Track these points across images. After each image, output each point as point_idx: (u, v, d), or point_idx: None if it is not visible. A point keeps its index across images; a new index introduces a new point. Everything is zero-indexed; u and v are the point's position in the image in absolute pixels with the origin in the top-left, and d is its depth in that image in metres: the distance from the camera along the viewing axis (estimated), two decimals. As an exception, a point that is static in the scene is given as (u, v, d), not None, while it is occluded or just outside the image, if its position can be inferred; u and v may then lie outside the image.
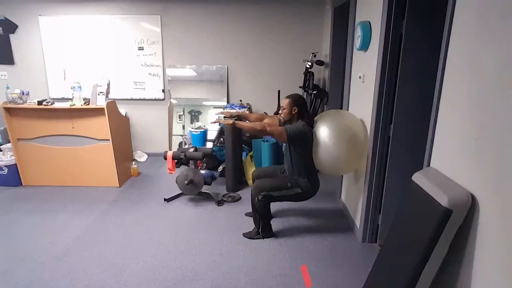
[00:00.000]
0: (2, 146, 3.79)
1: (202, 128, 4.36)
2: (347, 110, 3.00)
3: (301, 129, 2.44)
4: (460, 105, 1.42)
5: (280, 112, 2.61)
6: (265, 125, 2.47)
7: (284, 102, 2.54)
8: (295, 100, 2.53)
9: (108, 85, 3.50)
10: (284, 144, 2.58)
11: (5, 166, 3.60)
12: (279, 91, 4.37)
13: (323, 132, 2.45)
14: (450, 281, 1.47)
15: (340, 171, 2.81)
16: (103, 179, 3.64)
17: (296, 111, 2.51)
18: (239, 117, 2.93)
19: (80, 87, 3.44)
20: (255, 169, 3.02)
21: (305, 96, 4.10)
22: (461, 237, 1.37)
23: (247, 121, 2.83)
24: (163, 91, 4.62)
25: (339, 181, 3.30)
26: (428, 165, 1.66)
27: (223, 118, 2.80)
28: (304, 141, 2.48)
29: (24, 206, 3.20)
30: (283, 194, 2.54)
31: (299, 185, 2.53)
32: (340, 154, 2.42)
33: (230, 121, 2.62)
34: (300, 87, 4.25)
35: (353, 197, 2.87)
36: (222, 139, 4.23)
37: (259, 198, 2.51)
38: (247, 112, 4.36)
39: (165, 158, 3.31)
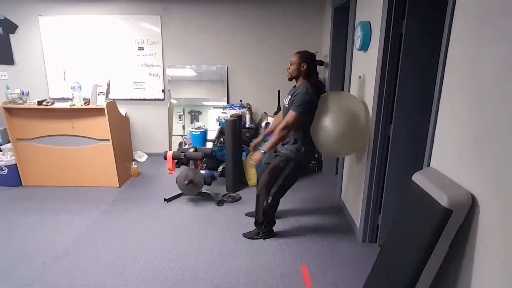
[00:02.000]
0: (2, 146, 3.79)
1: (202, 128, 4.36)
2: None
3: (306, 99, 2.30)
4: (460, 104, 1.42)
5: (288, 67, 2.45)
6: (280, 129, 2.34)
7: (294, 57, 2.40)
8: (305, 56, 2.39)
9: (108, 85, 3.50)
10: (286, 107, 2.43)
11: (5, 166, 3.60)
12: (279, 91, 4.37)
13: (323, 110, 2.37)
14: (450, 281, 1.47)
15: (339, 151, 2.72)
16: (103, 179, 3.64)
17: (305, 67, 2.37)
18: (266, 136, 2.82)
19: (80, 87, 3.45)
20: (257, 172, 2.94)
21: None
22: (461, 237, 1.37)
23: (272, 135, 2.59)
24: (163, 91, 4.63)
25: (339, 181, 3.30)
26: (428, 165, 1.66)
27: (254, 162, 2.44)
28: (310, 110, 2.37)
29: (24, 206, 3.20)
30: (284, 177, 2.44)
31: (290, 157, 2.43)
32: (338, 132, 2.35)
33: (260, 155, 2.38)
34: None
35: (353, 197, 2.87)
36: (222, 139, 4.23)
37: (269, 201, 2.48)
38: (247, 113, 4.35)
39: (165, 158, 3.32)
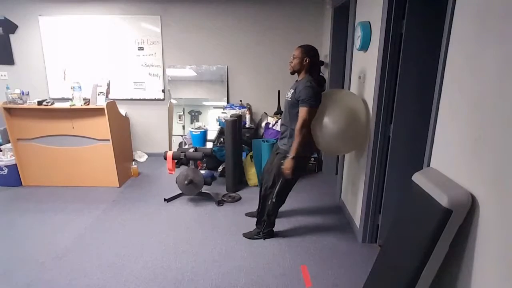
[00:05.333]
0: (2, 146, 3.79)
1: (202, 128, 4.36)
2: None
3: (312, 92, 2.23)
4: (460, 104, 1.42)
5: (290, 61, 2.42)
6: (299, 129, 2.26)
7: (296, 51, 2.36)
8: (308, 50, 2.36)
9: (108, 85, 3.50)
10: (289, 101, 2.40)
11: (5, 166, 3.60)
12: (279, 91, 4.37)
13: (323, 107, 2.36)
14: (450, 281, 1.47)
15: (338, 149, 2.71)
16: (103, 179, 3.64)
17: (307, 61, 2.34)
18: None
19: (80, 87, 3.44)
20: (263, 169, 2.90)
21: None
22: (461, 237, 1.37)
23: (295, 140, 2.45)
24: (163, 91, 4.62)
25: (339, 181, 3.30)
26: (428, 165, 1.66)
27: (288, 171, 2.34)
28: (319, 100, 2.32)
29: (24, 206, 3.20)
30: (286, 178, 2.41)
31: (288, 152, 2.35)
32: (338, 129, 2.34)
33: (291, 161, 2.30)
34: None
35: (353, 197, 2.87)
36: (222, 139, 4.23)
37: (273, 200, 2.48)
38: (247, 114, 4.35)
39: (165, 158, 3.31)
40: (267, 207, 2.55)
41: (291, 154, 2.30)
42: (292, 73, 2.44)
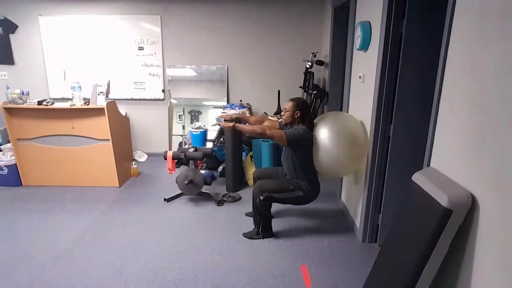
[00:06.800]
0: (2, 146, 3.79)
1: (202, 128, 4.36)
2: (347, 110, 3.00)
3: (301, 132, 2.45)
4: (460, 105, 1.42)
5: (282, 114, 2.61)
6: (265, 128, 2.48)
7: (288, 105, 2.53)
8: (299, 104, 2.52)
9: (108, 85, 3.50)
10: (284, 147, 2.59)
11: (5, 166, 3.60)
12: (279, 91, 4.37)
13: (323, 134, 2.44)
14: (450, 281, 1.47)
15: (340, 173, 2.82)
16: (103, 179, 3.64)
17: (298, 115, 2.51)
18: (239, 119, 2.91)
19: (80, 87, 3.44)
20: (255, 169, 3.02)
21: (305, 96, 4.10)
22: (461, 237, 1.37)
23: (247, 124, 2.84)
24: (163, 91, 4.63)
25: (339, 181, 3.30)
26: (428, 165, 1.66)
27: (223, 121, 2.78)
28: (304, 145, 2.48)
29: (24, 206, 3.20)
30: (285, 196, 2.53)
31: (301, 189, 2.54)
32: (340, 156, 2.43)
33: (230, 124, 2.60)
34: (300, 87, 4.26)
35: (353, 197, 2.87)
36: (222, 139, 4.23)
37: (261, 198, 2.51)
38: (247, 114, 4.36)
39: (165, 158, 3.31)
40: (256, 205, 2.59)
41: (237, 126, 2.57)
42: (285, 125, 2.61)
